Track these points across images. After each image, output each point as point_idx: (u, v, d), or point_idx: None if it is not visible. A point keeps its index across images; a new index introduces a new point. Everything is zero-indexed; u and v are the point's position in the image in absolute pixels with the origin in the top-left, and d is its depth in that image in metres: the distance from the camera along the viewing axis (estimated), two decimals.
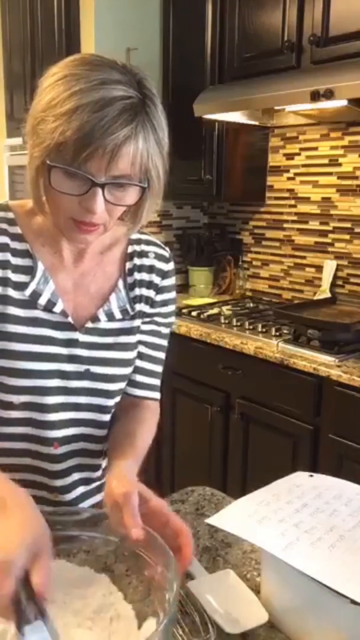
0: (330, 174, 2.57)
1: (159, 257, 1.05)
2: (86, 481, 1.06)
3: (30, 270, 0.93)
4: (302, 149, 2.67)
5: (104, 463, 1.08)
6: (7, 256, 0.92)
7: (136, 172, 0.82)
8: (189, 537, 0.78)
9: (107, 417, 1.03)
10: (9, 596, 0.63)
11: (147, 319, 1.04)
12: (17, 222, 0.94)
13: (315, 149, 2.62)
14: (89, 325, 0.97)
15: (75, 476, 1.03)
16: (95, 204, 0.81)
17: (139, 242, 1.04)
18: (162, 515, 0.79)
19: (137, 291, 1.02)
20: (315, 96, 1.98)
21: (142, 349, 1.05)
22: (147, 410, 1.06)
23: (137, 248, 1.03)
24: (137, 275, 1.02)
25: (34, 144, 0.82)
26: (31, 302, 0.93)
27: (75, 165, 0.78)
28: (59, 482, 1.01)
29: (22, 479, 0.98)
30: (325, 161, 2.58)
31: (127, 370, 1.03)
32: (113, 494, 0.79)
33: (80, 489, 1.05)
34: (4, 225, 0.93)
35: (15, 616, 0.63)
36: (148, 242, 1.05)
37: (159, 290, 1.04)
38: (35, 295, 0.93)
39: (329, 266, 2.61)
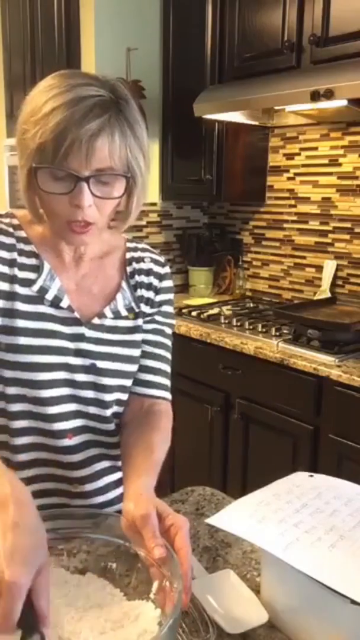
0: (330, 174, 2.57)
1: (155, 261, 1.10)
2: (113, 470, 1.07)
3: (36, 269, 0.97)
4: (302, 149, 2.67)
5: None
6: (14, 255, 0.97)
7: (117, 165, 0.87)
8: (187, 573, 0.73)
9: (108, 412, 1.04)
10: (16, 621, 0.58)
11: (148, 318, 1.08)
12: (22, 227, 0.99)
13: (315, 149, 2.62)
14: (96, 321, 1.01)
15: (97, 466, 1.04)
16: (83, 199, 0.85)
17: (135, 249, 1.10)
18: (173, 536, 0.76)
19: (139, 292, 1.06)
20: (315, 96, 1.98)
21: (147, 348, 1.07)
22: (161, 415, 1.06)
23: (135, 255, 1.09)
24: (138, 278, 1.07)
25: (21, 154, 0.88)
26: (38, 298, 0.97)
27: (57, 163, 0.83)
28: (78, 473, 1.02)
29: (35, 474, 1.01)
30: (325, 161, 2.58)
31: (132, 367, 1.05)
32: (131, 516, 0.77)
33: (109, 478, 1.06)
34: (10, 229, 0.98)
35: None
36: (144, 249, 1.11)
37: (158, 291, 1.09)
38: (43, 291, 0.97)
39: (329, 266, 2.61)
